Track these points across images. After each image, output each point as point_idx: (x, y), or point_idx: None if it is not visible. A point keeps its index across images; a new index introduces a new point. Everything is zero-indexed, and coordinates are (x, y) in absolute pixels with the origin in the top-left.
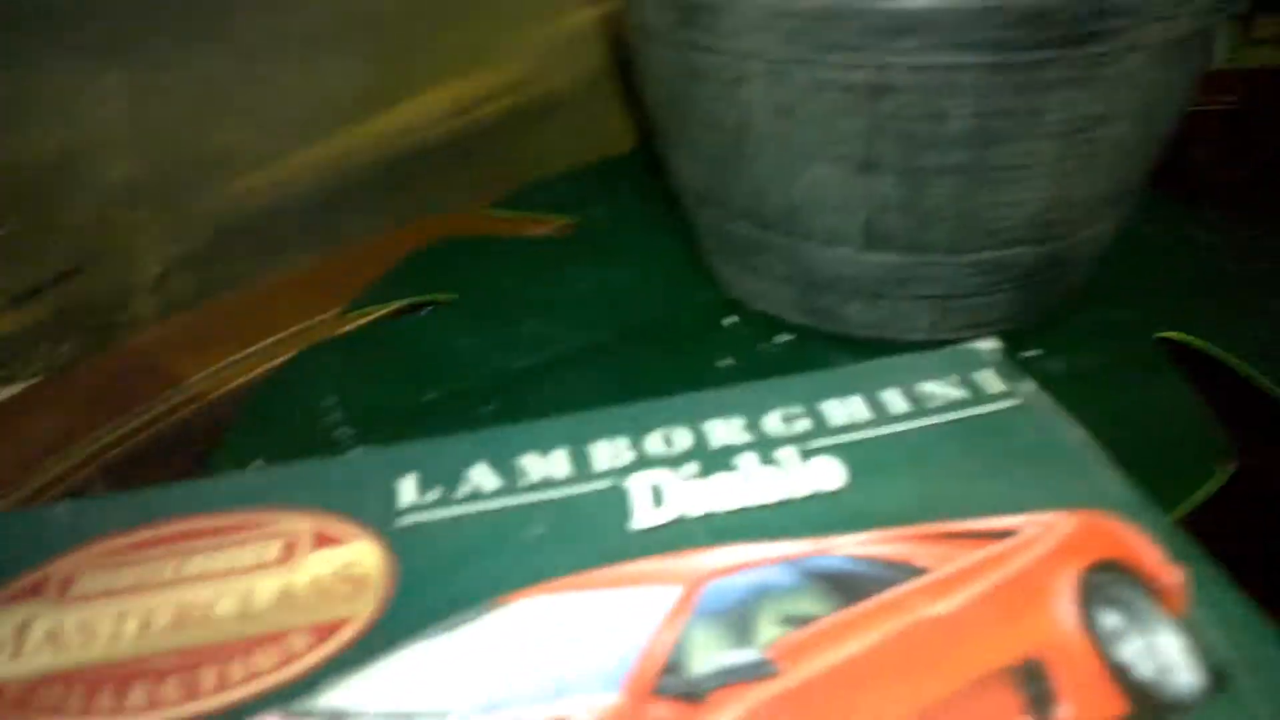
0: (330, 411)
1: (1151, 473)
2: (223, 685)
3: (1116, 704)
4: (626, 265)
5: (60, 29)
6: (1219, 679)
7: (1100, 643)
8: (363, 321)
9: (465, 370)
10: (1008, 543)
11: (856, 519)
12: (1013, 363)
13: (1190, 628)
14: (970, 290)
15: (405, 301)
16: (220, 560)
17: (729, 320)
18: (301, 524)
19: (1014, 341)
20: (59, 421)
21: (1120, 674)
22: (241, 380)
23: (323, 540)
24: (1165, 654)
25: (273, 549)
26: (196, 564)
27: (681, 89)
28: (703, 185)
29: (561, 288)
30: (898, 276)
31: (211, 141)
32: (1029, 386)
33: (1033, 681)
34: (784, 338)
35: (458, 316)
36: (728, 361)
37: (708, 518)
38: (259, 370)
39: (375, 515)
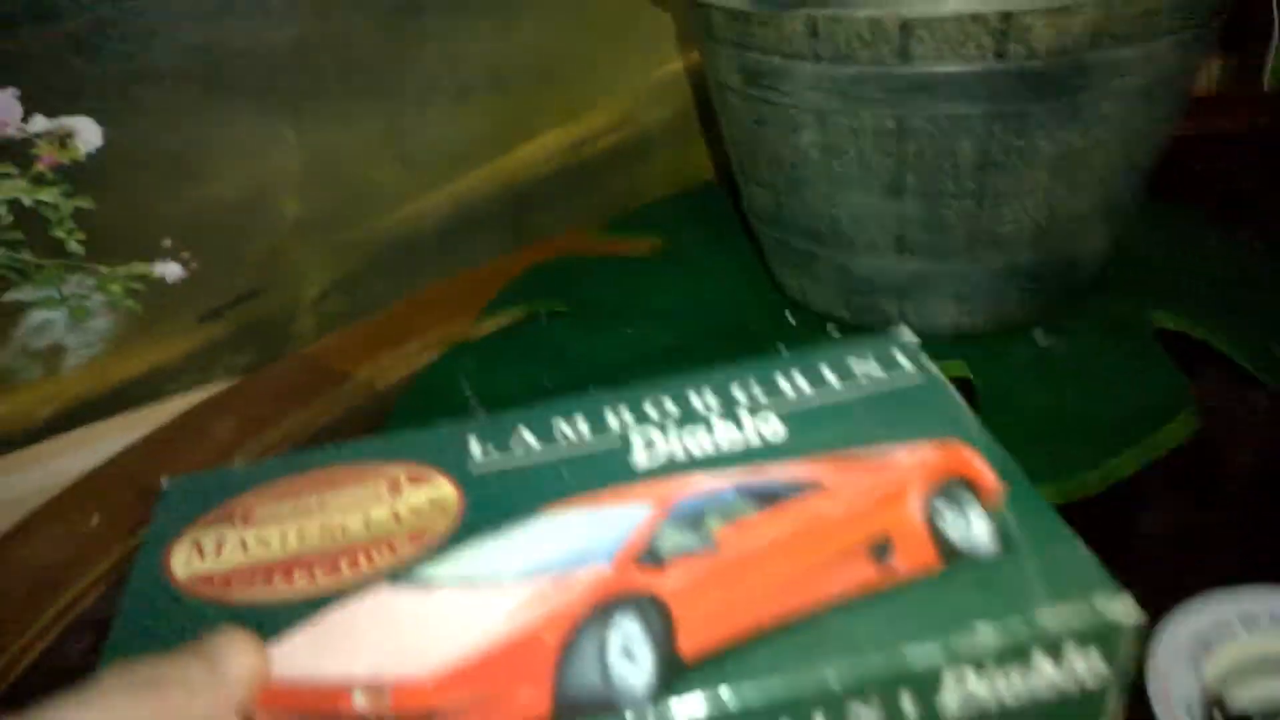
0: (469, 398)
1: (1131, 425)
2: (353, 569)
3: (934, 559)
4: (708, 277)
5: (244, 91)
6: (1007, 545)
7: (933, 524)
8: (492, 327)
9: (576, 365)
10: (886, 464)
11: (786, 455)
12: (919, 348)
13: (997, 516)
14: (985, 290)
15: (525, 310)
16: (347, 495)
17: (790, 318)
18: (402, 471)
19: (1025, 329)
20: (246, 418)
21: (943, 544)
22: (397, 376)
23: (415, 480)
24: (975, 531)
25: (382, 487)
26: (332, 498)
27: (750, 132)
28: (767, 208)
29: (654, 297)
30: (924, 279)
31: (365, 182)
32: (930, 366)
33: (881, 548)
34: (834, 331)
35: (569, 322)
36: (787, 353)
37: (685, 459)
38: (411, 368)
39: (452, 465)
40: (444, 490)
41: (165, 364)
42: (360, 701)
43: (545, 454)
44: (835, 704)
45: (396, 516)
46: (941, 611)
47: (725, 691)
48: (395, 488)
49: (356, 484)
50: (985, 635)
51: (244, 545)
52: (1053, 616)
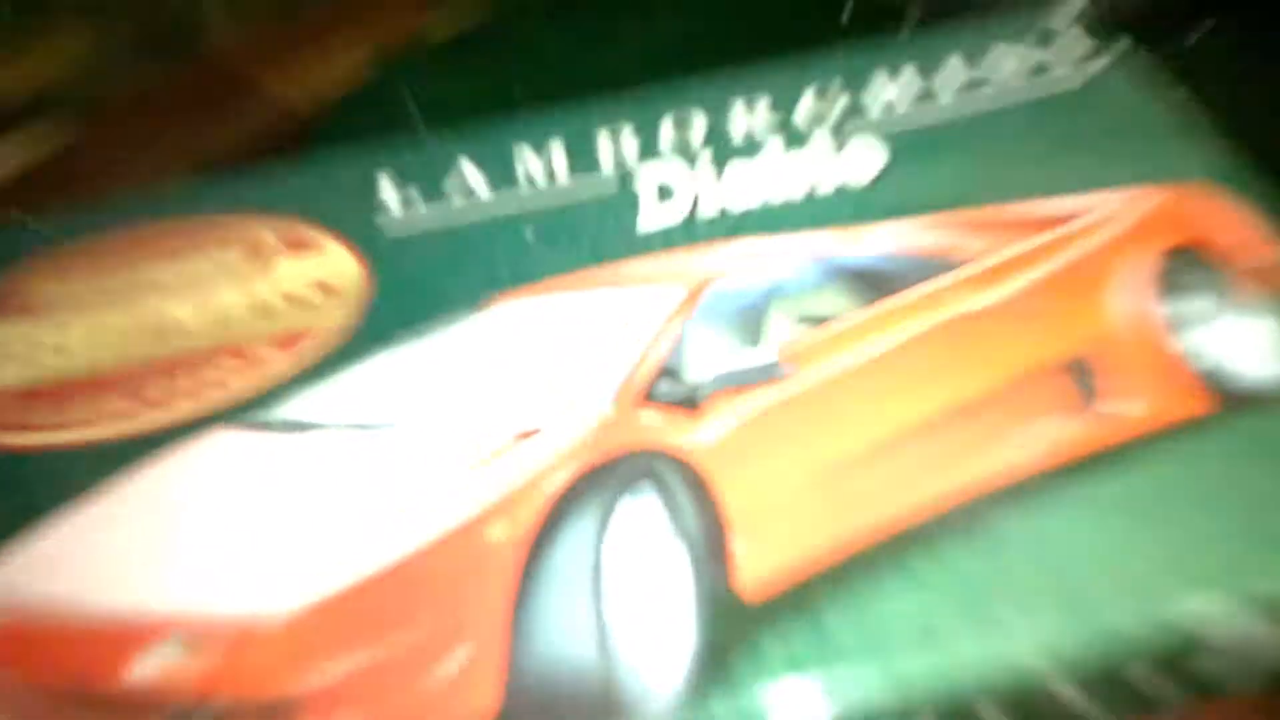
0: (414, 119)
1: None
2: (177, 398)
3: (1187, 398)
4: None
5: None
6: None
7: (1171, 332)
8: (447, 28)
9: (553, 72)
10: (1071, 227)
11: (893, 207)
12: (1101, 25)
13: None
14: None
15: (492, 5)
16: (182, 268)
17: (850, 9)
18: (270, 230)
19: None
20: (146, 135)
21: (1198, 371)
22: (327, 88)
23: (293, 246)
24: (1246, 341)
25: (238, 256)
26: (156, 273)
27: None
28: None
29: None
30: None
31: None
32: (1121, 48)
33: (1084, 377)
34: (907, 26)
35: (548, 19)
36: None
37: (722, 214)
38: (343, 78)
39: (354, 221)
40: (339, 262)
41: (54, 78)
42: (160, 659)
43: (499, 204)
44: (1020, 697)
45: (260, 306)
46: (1214, 515)
47: (816, 685)
48: (259, 256)
49: (199, 250)
50: None
51: (13, 354)
52: None
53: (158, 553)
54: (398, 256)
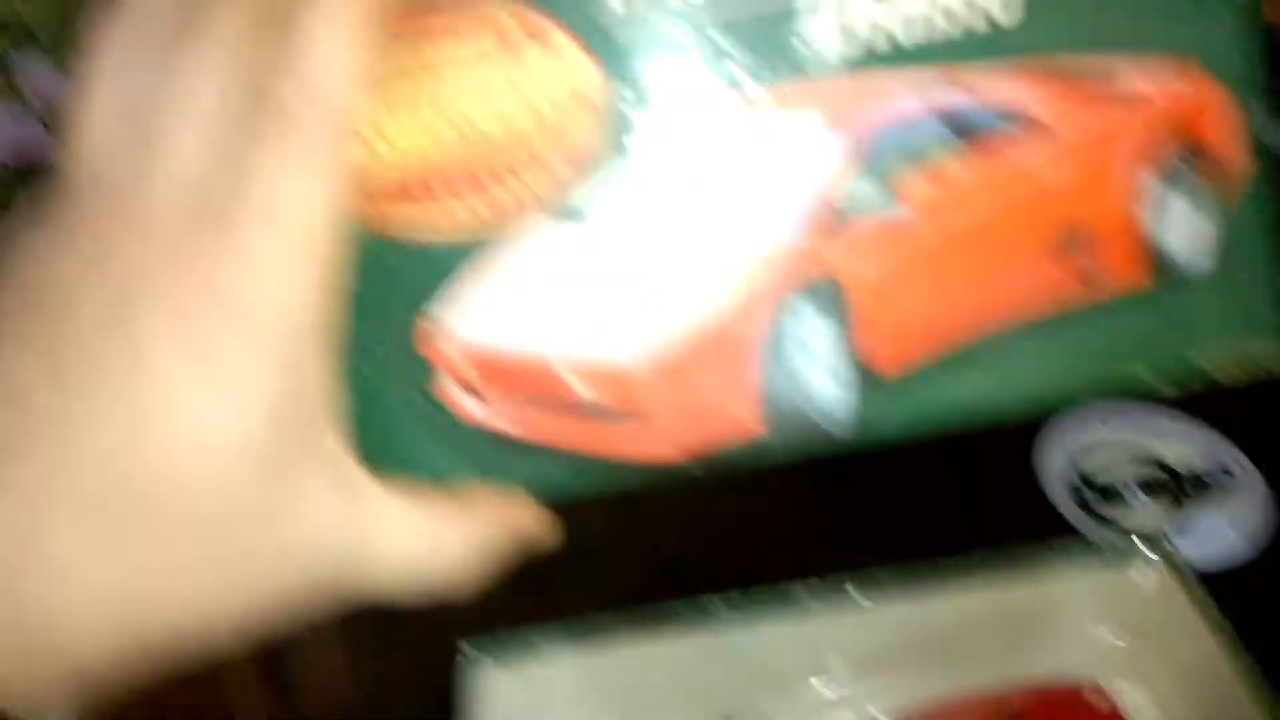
0: None
1: None
2: (503, 190)
3: (1140, 272)
4: None
5: None
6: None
7: (1148, 221)
8: None
9: None
10: (1117, 94)
11: (1005, 53)
12: None
13: (1231, 215)
14: None
15: None
16: (457, 59)
17: None
18: (508, 14)
19: None
20: None
21: (1153, 247)
22: None
23: (536, 38)
24: (1197, 233)
25: (487, 41)
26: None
27: None
28: None
29: None
30: None
31: None
32: None
33: (1074, 246)
34: None
35: None
36: None
37: (883, 46)
38: None
39: (576, 12)
40: (578, 64)
41: None
42: (580, 390)
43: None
44: None
45: (533, 108)
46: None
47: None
48: (511, 48)
49: (454, 35)
50: None
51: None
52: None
53: (543, 312)
54: (623, 55)
